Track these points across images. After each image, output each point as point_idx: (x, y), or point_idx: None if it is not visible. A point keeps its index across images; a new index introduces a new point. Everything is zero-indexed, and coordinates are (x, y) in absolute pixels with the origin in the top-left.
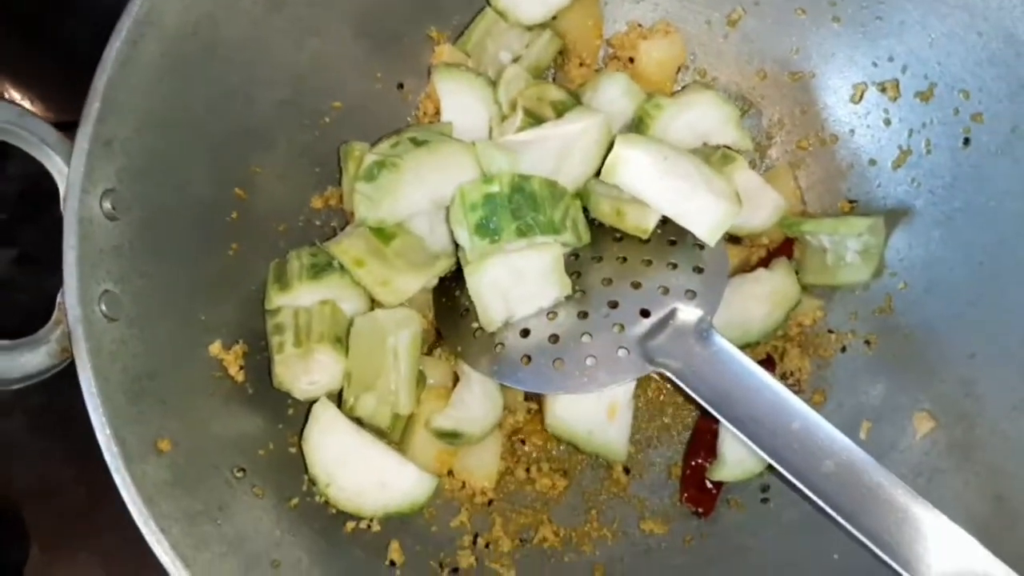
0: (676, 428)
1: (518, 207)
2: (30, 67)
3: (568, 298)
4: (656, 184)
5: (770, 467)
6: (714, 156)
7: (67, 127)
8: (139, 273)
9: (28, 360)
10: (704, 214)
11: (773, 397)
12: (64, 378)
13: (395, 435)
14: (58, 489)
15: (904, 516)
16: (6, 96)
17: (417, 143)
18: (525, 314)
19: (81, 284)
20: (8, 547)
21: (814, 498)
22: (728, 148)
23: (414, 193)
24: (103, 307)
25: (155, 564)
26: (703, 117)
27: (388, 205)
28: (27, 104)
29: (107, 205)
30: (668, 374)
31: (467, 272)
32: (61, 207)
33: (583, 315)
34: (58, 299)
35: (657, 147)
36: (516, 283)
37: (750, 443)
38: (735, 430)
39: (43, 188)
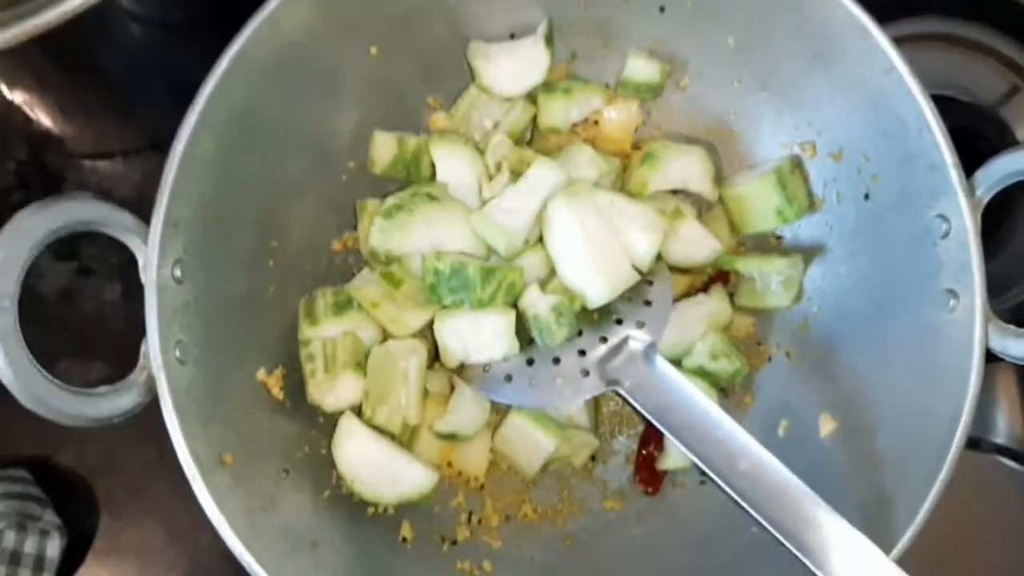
0: (634, 424)
1: (454, 286)
2: (74, 102)
3: None
4: (579, 246)
5: None
6: (668, 208)
7: (106, 156)
8: (202, 321)
9: (125, 401)
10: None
11: (701, 410)
12: None
13: (404, 437)
14: (123, 466)
15: (807, 516)
16: (53, 131)
17: (431, 198)
18: (478, 361)
19: (161, 338)
20: (83, 517)
21: (731, 494)
22: (681, 205)
23: (419, 236)
24: (177, 353)
25: (207, 527)
26: (689, 166)
27: (397, 239)
28: (75, 135)
29: (176, 272)
30: (621, 391)
31: (436, 317)
32: (141, 277)
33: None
34: (142, 348)
35: (585, 209)
36: (474, 334)
37: (683, 448)
38: (672, 437)
39: None
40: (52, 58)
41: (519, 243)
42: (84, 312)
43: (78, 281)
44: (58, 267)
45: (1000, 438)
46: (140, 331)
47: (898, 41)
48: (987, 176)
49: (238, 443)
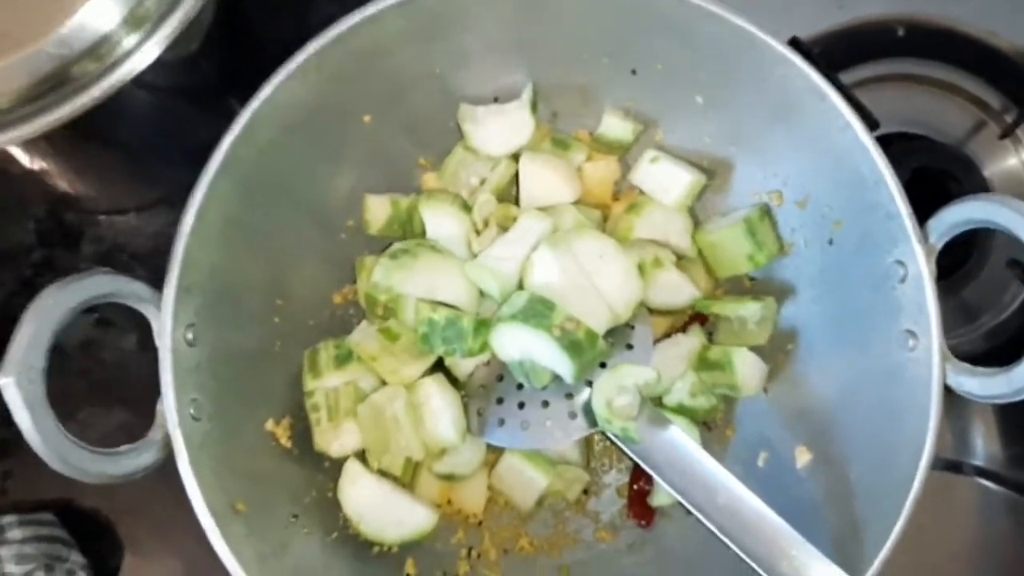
0: (624, 458)
1: (448, 337)
2: (90, 164)
3: None
4: (558, 290)
5: None
6: (649, 259)
7: (121, 212)
8: (213, 379)
9: (144, 458)
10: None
11: (682, 448)
12: None
13: (406, 478)
14: (146, 508)
15: (781, 546)
16: (71, 190)
17: (434, 249)
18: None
19: (176, 398)
20: (107, 556)
21: (711, 527)
22: (660, 254)
23: (418, 279)
24: (191, 411)
25: (225, 567)
26: (673, 221)
27: (398, 278)
28: (92, 194)
29: (189, 336)
30: (606, 432)
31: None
32: (156, 342)
33: (543, 387)
34: (158, 407)
35: (565, 255)
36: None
37: (665, 485)
38: (654, 474)
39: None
40: (69, 131)
41: (512, 287)
42: (104, 362)
43: (98, 332)
44: (79, 320)
45: (979, 460)
46: (156, 379)
47: (865, 82)
48: (939, 224)
49: (250, 491)
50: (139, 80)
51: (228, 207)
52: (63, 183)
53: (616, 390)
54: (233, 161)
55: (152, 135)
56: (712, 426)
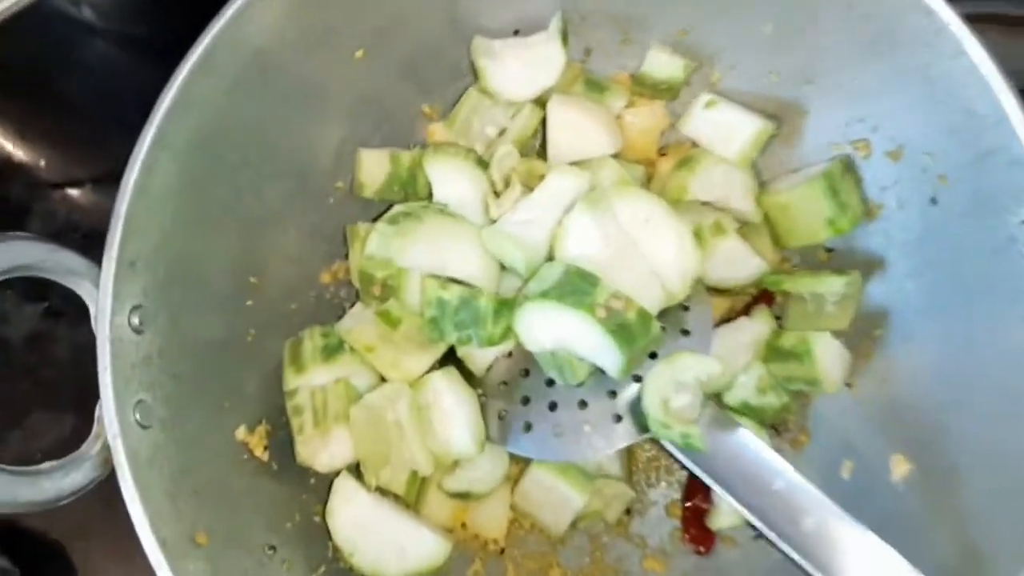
0: (675, 470)
1: (462, 321)
2: (36, 126)
3: None
4: (600, 262)
5: None
6: (707, 224)
7: (75, 186)
8: (168, 376)
9: (72, 479)
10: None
11: (756, 457)
12: None
13: (411, 497)
14: (99, 530)
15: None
16: (14, 157)
17: (444, 212)
18: None
19: (117, 400)
20: None
21: (795, 557)
22: (722, 219)
23: (423, 250)
24: (138, 416)
25: None
26: (734, 179)
27: (397, 246)
28: (41, 163)
29: (135, 320)
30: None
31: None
32: (93, 327)
33: (579, 383)
34: (96, 413)
35: (608, 220)
36: None
37: (735, 503)
38: (721, 490)
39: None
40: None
41: (540, 258)
42: (55, 359)
43: (47, 325)
44: (25, 310)
45: None
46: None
47: (969, 20)
48: None
49: (215, 517)
50: (83, 21)
51: (186, 162)
52: (7, 144)
53: (673, 387)
54: (191, 102)
55: (105, 93)
56: (782, 429)
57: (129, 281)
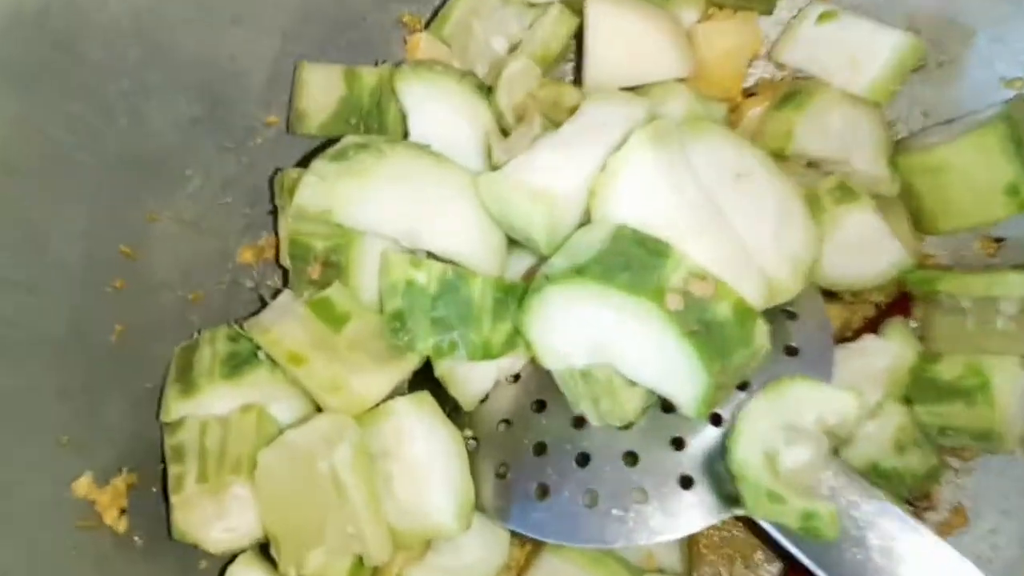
0: (761, 560)
1: (442, 318)
2: None
3: None
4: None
5: None
6: (828, 186)
7: None
8: None
9: None
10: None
11: (911, 550)
12: None
13: None
14: None
15: None
16: None
17: (419, 147)
18: None
19: None
20: None
21: None
22: (848, 183)
23: (384, 200)
24: None
25: None
26: (857, 126)
27: (343, 194)
28: None
29: None
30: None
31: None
32: None
33: (626, 425)
34: None
35: (682, 168)
36: None
37: None
38: None
39: None
40: None
41: (569, 221)
42: None
43: None
44: None
45: None
46: None
47: None
48: None
49: None
50: None
51: (15, 46)
52: None
53: (783, 434)
54: None
55: None
56: (922, 507)
57: None
